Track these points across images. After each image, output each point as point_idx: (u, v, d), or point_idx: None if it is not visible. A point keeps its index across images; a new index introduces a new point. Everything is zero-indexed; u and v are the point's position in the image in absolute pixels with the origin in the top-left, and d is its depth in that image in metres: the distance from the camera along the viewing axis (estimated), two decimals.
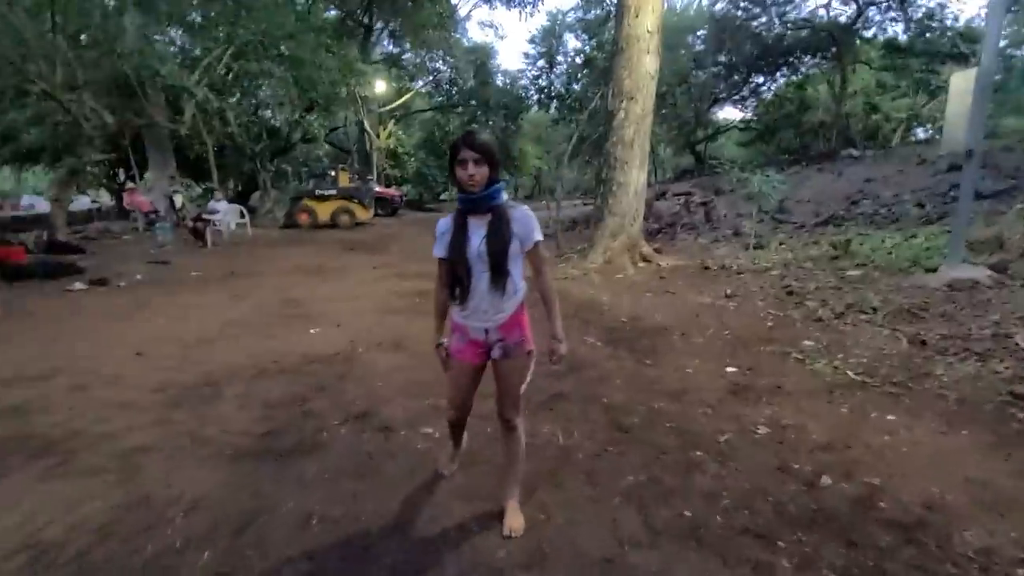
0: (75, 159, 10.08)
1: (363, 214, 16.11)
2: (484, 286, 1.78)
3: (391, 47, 26.00)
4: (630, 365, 3.82)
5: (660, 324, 4.78)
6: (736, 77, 25.34)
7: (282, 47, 13.84)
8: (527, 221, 1.79)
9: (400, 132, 28.14)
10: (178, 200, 14.11)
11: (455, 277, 1.82)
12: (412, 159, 27.77)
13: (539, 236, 1.81)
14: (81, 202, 15.06)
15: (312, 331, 4.75)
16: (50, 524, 2.01)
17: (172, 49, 12.20)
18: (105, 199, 18.38)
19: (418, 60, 26.48)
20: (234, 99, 14.27)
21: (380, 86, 21.77)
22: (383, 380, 3.55)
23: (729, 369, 3.65)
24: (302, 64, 13.97)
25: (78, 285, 6.56)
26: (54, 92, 9.31)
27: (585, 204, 17.75)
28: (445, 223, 1.86)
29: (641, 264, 7.74)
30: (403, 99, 25.46)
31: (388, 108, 24.18)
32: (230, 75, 13.40)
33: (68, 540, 1.94)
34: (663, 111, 21.97)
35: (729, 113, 35.26)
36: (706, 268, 7.08)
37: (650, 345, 4.23)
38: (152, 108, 11.33)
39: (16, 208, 12.12)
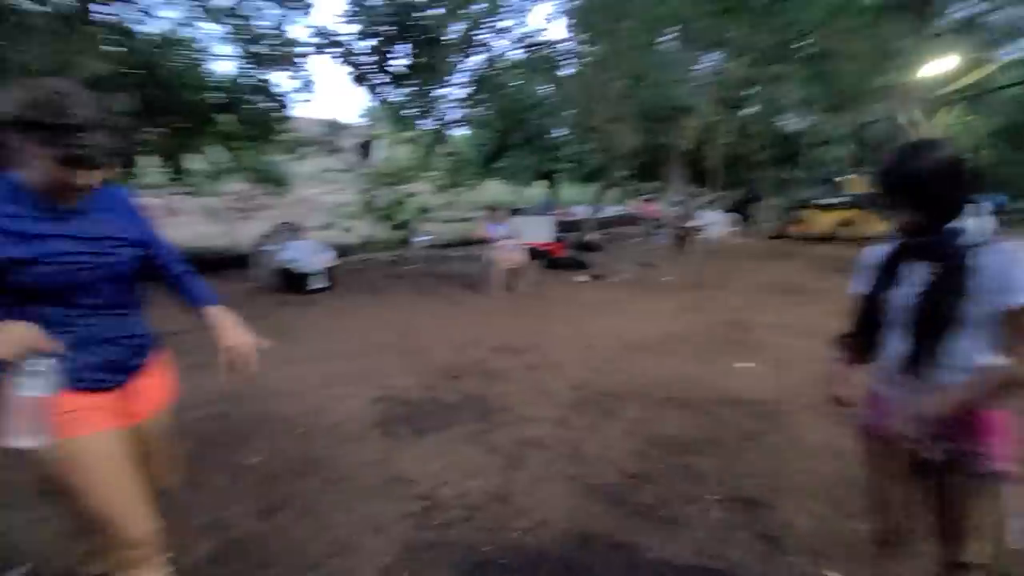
0: (607, 177, 12.71)
1: (876, 227, 13.13)
2: (902, 354, 1.26)
3: (968, 10, 19.65)
4: None
5: None
6: None
7: (807, 43, 12.76)
8: (1006, 273, 1.13)
9: (963, 119, 21.18)
10: (685, 209, 15.60)
11: (866, 326, 1.37)
12: (984, 153, 20.37)
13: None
14: (608, 209, 19.08)
15: (739, 365, 4.10)
16: (446, 485, 2.43)
17: (693, 69, 13.36)
18: (632, 207, 22.67)
19: (1010, 19, 18.96)
20: (743, 110, 14.35)
21: (936, 65, 16.92)
22: (801, 459, 2.61)
23: None
24: (826, 58, 12.48)
25: (582, 277, 8.20)
26: (600, 126, 11.97)
27: None
28: (874, 254, 1.39)
29: None
30: (972, 75, 18.94)
31: (949, 90, 18.55)
32: (743, 86, 13.53)
33: (447, 507, 2.28)
34: None
35: None
36: None
37: None
38: (663, 127, 12.86)
39: (568, 215, 16.56)
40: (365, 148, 10.24)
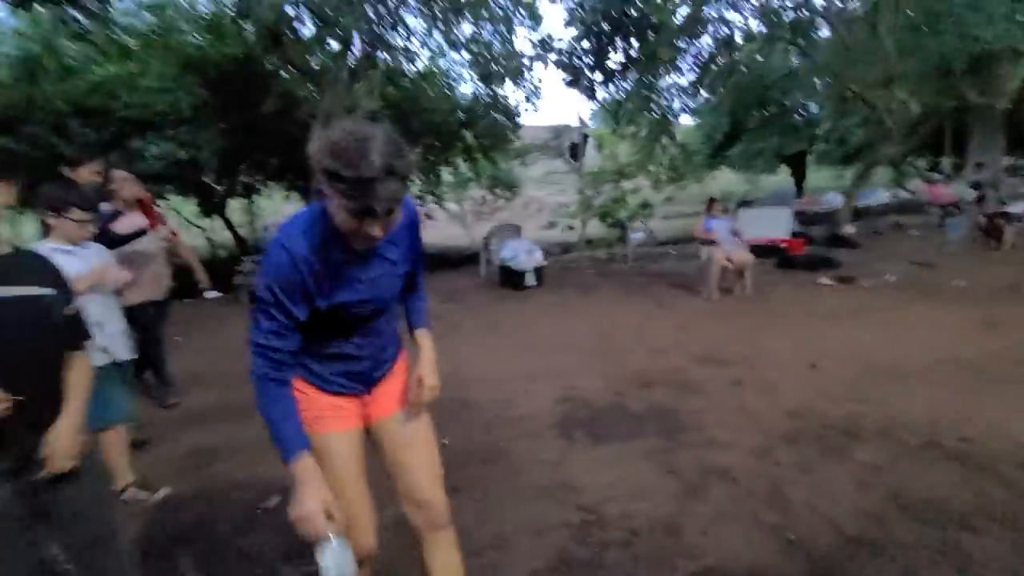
0: (874, 156, 10.28)
1: None
2: None
3: None
4: None
5: None
6: None
7: None
8: None
9: None
10: (999, 190, 11.60)
11: None
12: None
13: None
14: (874, 195, 15.35)
15: None
16: (612, 502, 2.27)
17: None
18: (910, 192, 17.81)
19: None
20: None
21: None
22: None
23: None
24: None
25: (825, 280, 6.83)
26: (864, 92, 9.74)
27: None
28: None
29: None
30: None
31: None
32: None
33: (609, 526, 2.13)
34: None
35: None
36: None
37: None
38: (965, 83, 9.69)
39: (815, 205, 13.90)
40: (574, 149, 10.44)
